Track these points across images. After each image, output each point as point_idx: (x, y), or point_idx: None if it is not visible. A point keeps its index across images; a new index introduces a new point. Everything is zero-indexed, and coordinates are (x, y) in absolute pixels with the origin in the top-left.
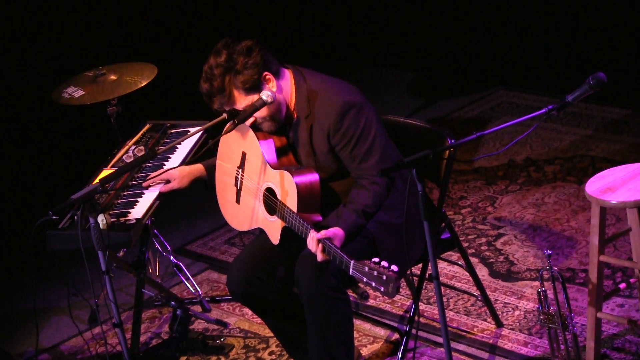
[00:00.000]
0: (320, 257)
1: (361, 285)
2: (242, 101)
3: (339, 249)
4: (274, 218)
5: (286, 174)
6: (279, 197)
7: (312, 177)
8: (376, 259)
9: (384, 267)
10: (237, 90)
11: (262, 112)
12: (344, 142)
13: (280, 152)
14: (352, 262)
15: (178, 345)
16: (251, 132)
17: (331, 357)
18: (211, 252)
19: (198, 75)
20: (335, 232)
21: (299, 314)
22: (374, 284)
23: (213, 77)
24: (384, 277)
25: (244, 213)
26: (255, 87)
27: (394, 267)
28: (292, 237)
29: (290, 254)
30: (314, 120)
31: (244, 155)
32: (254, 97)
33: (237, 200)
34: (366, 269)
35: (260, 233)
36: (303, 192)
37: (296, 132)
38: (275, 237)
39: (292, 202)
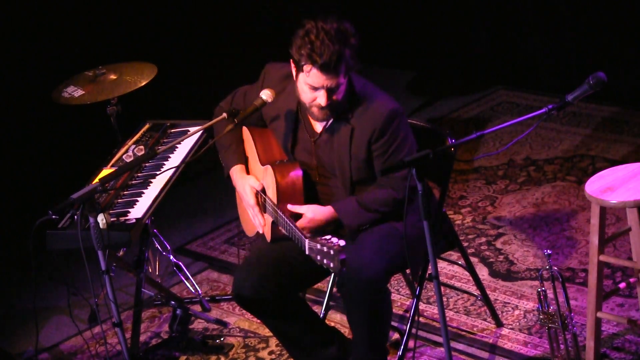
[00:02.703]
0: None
1: (317, 259)
2: (340, 79)
3: (302, 233)
4: (266, 216)
5: (268, 167)
6: (267, 193)
7: (294, 170)
8: (327, 236)
9: (331, 241)
10: (346, 66)
11: (339, 96)
12: (382, 149)
13: (272, 148)
14: (307, 240)
15: (178, 345)
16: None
17: (377, 349)
18: (211, 252)
19: (198, 75)
20: (315, 209)
21: (303, 316)
22: (325, 261)
23: (334, 41)
24: (331, 252)
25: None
26: (351, 70)
27: (341, 242)
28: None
29: (297, 256)
30: (356, 124)
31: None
32: (344, 82)
33: None
34: (318, 246)
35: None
36: (282, 184)
37: (332, 132)
38: (267, 234)
39: (273, 194)
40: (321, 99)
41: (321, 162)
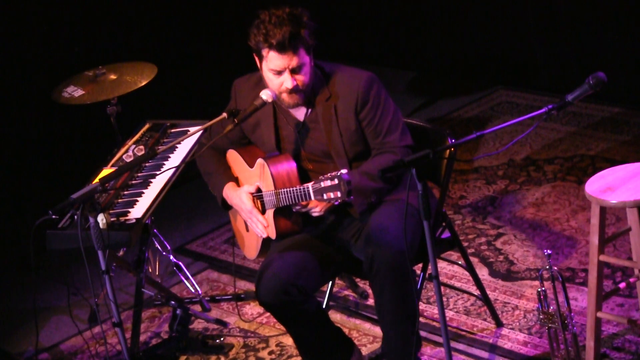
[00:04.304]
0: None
1: (324, 199)
2: (301, 58)
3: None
4: (268, 213)
5: (259, 161)
6: (262, 189)
7: (286, 158)
8: (327, 174)
9: (332, 173)
10: (304, 43)
11: (305, 77)
12: (370, 117)
13: (258, 153)
14: (310, 185)
15: (178, 345)
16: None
17: (403, 327)
18: (211, 252)
19: (198, 75)
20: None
21: (320, 319)
22: (332, 195)
23: (286, 22)
24: (336, 180)
25: (254, 234)
26: (311, 48)
27: (343, 170)
28: (291, 223)
29: (318, 255)
30: (337, 100)
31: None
32: (307, 61)
33: (247, 229)
34: (322, 184)
35: (278, 241)
36: (276, 173)
37: (316, 117)
38: (272, 232)
39: (269, 185)
40: (287, 81)
41: (309, 150)
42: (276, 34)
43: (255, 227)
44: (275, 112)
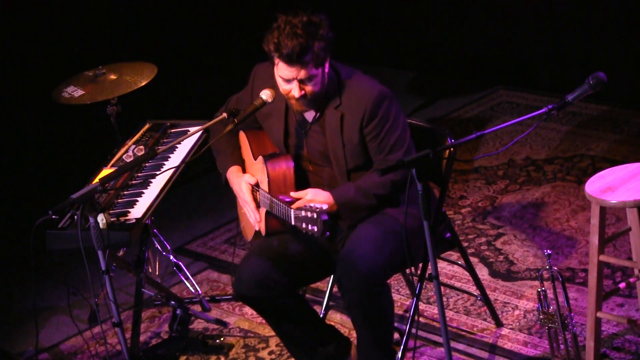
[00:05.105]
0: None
1: (303, 228)
2: (309, 71)
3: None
4: (261, 210)
5: (260, 159)
6: (260, 186)
7: (286, 160)
8: (312, 204)
9: (315, 206)
10: (313, 57)
11: (315, 87)
12: (375, 132)
13: (265, 144)
14: (292, 210)
15: (178, 345)
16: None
17: (381, 346)
18: (211, 252)
19: (198, 75)
20: (315, 192)
21: (303, 314)
22: (310, 227)
23: (299, 34)
24: (314, 215)
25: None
26: (323, 61)
27: (324, 205)
28: (280, 224)
29: (301, 255)
30: (345, 110)
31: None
32: (317, 73)
33: None
34: (302, 213)
35: (268, 237)
36: (273, 174)
37: (323, 121)
38: (262, 228)
39: (265, 186)
40: (294, 90)
41: (311, 152)
42: (287, 46)
43: (250, 217)
44: (287, 108)
